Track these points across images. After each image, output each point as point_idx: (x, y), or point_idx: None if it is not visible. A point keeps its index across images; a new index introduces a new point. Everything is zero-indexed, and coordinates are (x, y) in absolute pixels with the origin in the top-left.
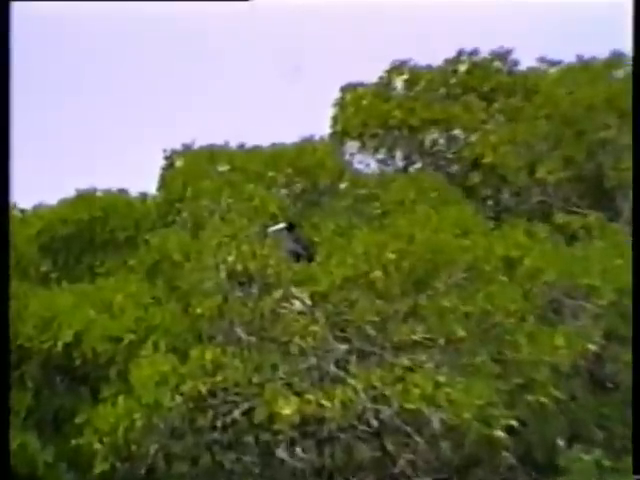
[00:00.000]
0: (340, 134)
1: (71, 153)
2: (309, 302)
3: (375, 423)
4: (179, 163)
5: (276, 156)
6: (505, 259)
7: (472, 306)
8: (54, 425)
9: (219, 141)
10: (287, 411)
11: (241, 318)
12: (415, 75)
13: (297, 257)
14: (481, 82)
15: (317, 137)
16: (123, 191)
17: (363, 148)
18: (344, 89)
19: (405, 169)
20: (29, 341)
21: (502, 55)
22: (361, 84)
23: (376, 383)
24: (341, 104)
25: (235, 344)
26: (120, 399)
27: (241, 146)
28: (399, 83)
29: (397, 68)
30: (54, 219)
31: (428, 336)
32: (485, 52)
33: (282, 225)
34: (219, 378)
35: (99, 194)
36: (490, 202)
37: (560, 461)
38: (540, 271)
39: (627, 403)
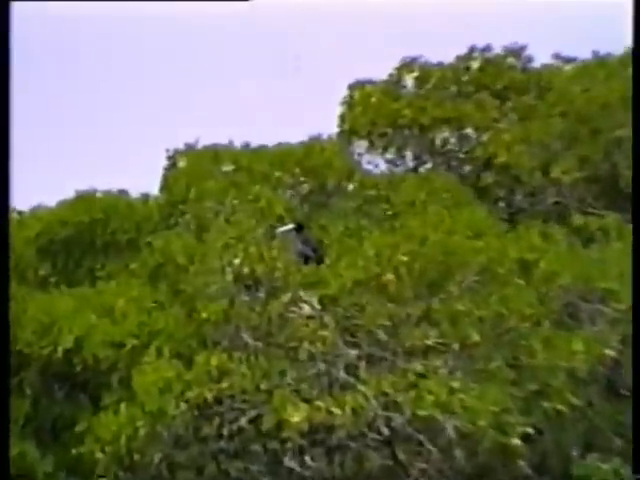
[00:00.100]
0: (348, 133)
1: (70, 153)
2: (318, 306)
3: (386, 431)
4: (182, 163)
5: (282, 156)
6: (520, 262)
7: (486, 310)
8: (53, 434)
9: (223, 140)
10: (296, 418)
11: (248, 323)
12: (426, 72)
13: (306, 259)
14: (494, 79)
15: (325, 136)
16: (124, 192)
17: (372, 148)
18: (352, 87)
19: (415, 169)
20: (28, 347)
21: (515, 51)
22: (370, 82)
23: (388, 390)
24: (349, 102)
25: (242, 349)
26: (122, 407)
27: (246, 146)
28: (409, 81)
29: (407, 65)
30: (53, 221)
31: (441, 341)
32: (498, 48)
33: (290, 226)
34: (225, 385)
35: (99, 195)
36: (503, 203)
37: (577, 470)
38: (556, 274)
39: None
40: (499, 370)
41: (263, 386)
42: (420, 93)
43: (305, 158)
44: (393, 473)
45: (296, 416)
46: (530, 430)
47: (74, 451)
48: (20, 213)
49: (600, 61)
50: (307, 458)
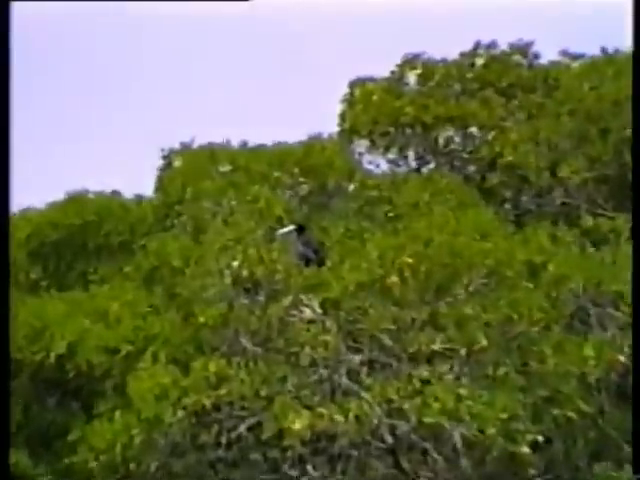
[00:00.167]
0: (348, 132)
1: (61, 153)
2: (320, 310)
3: (390, 439)
4: (177, 163)
5: (281, 155)
6: (528, 264)
7: (494, 314)
8: (45, 442)
9: (220, 140)
10: (297, 426)
11: (247, 327)
12: (429, 69)
13: (307, 261)
14: (499, 77)
15: (325, 135)
16: (117, 193)
17: (373, 147)
18: (353, 84)
19: (418, 169)
20: (19, 352)
21: (522, 48)
22: (371, 79)
23: (392, 396)
24: (349, 100)
25: (241, 355)
26: (117, 414)
27: (243, 145)
28: (412, 78)
29: (410, 62)
30: (43, 223)
31: (448, 346)
32: (503, 45)
33: (291, 227)
34: (224, 391)
35: (91, 196)
36: (509, 204)
37: (588, 479)
38: (565, 277)
39: None
40: (508, 376)
41: (263, 393)
42: (423, 91)
43: (305, 158)
44: None
45: (297, 423)
46: (540, 438)
47: (67, 460)
48: None
49: (609, 58)
50: (309, 467)
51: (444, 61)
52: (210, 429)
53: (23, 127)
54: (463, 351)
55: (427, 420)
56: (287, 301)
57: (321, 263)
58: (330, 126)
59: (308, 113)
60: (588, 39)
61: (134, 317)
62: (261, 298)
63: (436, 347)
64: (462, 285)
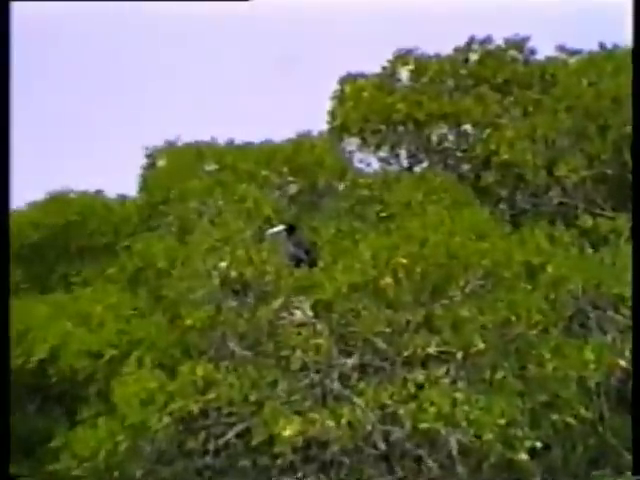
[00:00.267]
0: (338, 130)
1: (42, 151)
2: (311, 312)
3: (383, 446)
4: (162, 162)
5: (269, 154)
6: (526, 265)
7: (492, 316)
8: (27, 449)
9: (206, 138)
10: (288, 432)
11: (235, 330)
12: (422, 65)
13: (298, 262)
14: (495, 72)
15: (315, 133)
16: (100, 193)
17: (364, 145)
18: (343, 80)
19: (410, 168)
20: None
21: (518, 43)
22: (362, 75)
23: (386, 401)
24: (339, 97)
25: (229, 359)
26: (101, 420)
27: (230, 143)
28: (404, 74)
29: (402, 57)
30: (23, 224)
31: (444, 349)
32: (499, 40)
33: (281, 227)
34: (212, 396)
35: (73, 196)
36: (505, 204)
37: None
38: (564, 279)
39: None
40: (505, 380)
41: (252, 398)
42: (415, 87)
43: (294, 156)
44: None
45: (288, 430)
46: (539, 444)
47: (50, 468)
48: None
49: (608, 53)
50: (300, 475)
51: (437, 56)
52: (197, 435)
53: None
54: (459, 354)
55: (422, 426)
56: (277, 303)
57: (313, 264)
58: (320, 124)
59: (298, 111)
60: (585, 35)
61: (118, 320)
62: (250, 300)
63: (431, 350)
64: (458, 286)
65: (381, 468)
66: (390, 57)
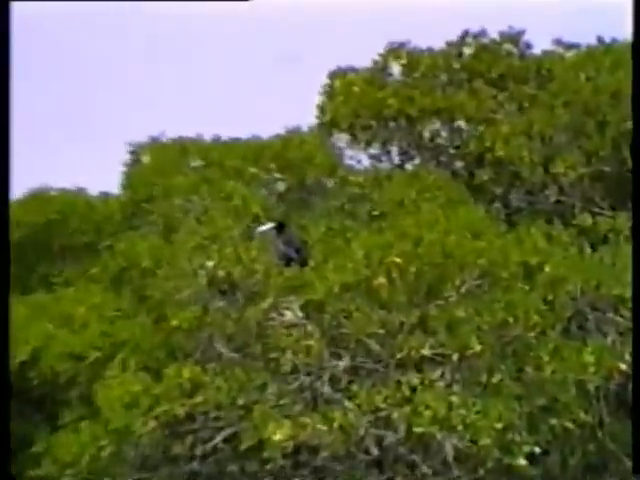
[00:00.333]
0: (328, 126)
1: (22, 148)
2: (301, 313)
3: (376, 451)
4: (146, 158)
5: (257, 150)
6: (523, 265)
7: (488, 317)
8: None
9: (191, 134)
10: (278, 437)
11: (223, 331)
12: (414, 59)
13: (288, 261)
14: (489, 67)
15: (304, 128)
16: (82, 190)
17: (354, 141)
18: (332, 75)
19: (401, 165)
20: None
21: (513, 37)
22: (352, 69)
23: (379, 405)
24: (329, 92)
25: (216, 361)
26: (83, 425)
27: (216, 139)
28: (396, 68)
29: (394, 51)
30: None
31: (439, 351)
32: (493, 33)
33: (270, 225)
34: (198, 400)
35: (54, 193)
36: (500, 202)
37: None
38: (563, 279)
39: None
40: (502, 383)
41: (241, 401)
42: (407, 81)
43: (282, 152)
44: None
45: (278, 434)
46: (537, 449)
47: (31, 473)
48: None
49: (606, 47)
50: None
51: (430, 50)
52: (184, 440)
53: None
54: (455, 356)
55: (417, 430)
56: (266, 303)
57: (303, 263)
58: (309, 119)
59: (285, 105)
60: (586, 35)
61: (101, 321)
62: (238, 300)
63: (426, 352)
64: (454, 286)
65: (374, 474)
66: (381, 51)
